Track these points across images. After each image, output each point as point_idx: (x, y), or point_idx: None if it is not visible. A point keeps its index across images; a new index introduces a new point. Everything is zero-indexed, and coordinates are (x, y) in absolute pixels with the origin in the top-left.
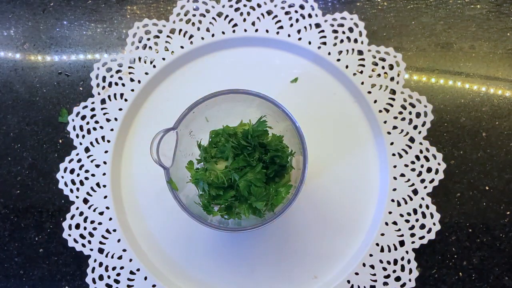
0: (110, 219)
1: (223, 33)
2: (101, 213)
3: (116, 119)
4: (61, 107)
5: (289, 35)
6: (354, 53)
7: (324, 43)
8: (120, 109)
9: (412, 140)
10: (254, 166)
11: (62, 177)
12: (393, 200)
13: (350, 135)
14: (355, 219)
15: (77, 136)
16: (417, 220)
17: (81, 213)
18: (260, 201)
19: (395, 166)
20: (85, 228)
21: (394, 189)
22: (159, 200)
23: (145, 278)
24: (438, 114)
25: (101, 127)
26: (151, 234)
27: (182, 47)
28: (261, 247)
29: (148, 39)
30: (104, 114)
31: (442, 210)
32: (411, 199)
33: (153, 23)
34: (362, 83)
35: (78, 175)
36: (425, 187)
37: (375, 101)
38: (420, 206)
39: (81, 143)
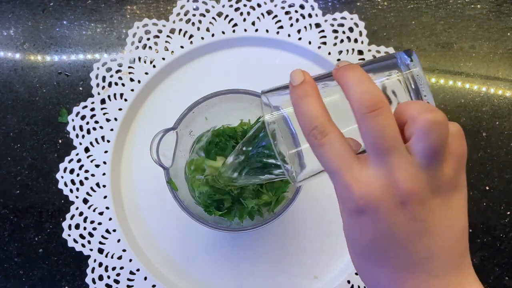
0: (110, 219)
1: (223, 33)
2: (101, 213)
3: (116, 119)
4: (61, 107)
5: (289, 35)
6: (354, 53)
7: (324, 43)
8: (120, 109)
9: None
10: None
11: (62, 177)
12: None
13: None
14: None
15: (77, 136)
16: None
17: (81, 213)
18: (252, 201)
19: None
20: (85, 228)
21: None
22: (159, 200)
23: (145, 278)
24: None
25: (101, 127)
26: (151, 234)
27: (182, 47)
28: (261, 247)
29: (148, 39)
30: (104, 114)
31: None
32: None
33: (153, 23)
34: None
35: (78, 175)
36: None
37: None
38: None
39: (81, 143)
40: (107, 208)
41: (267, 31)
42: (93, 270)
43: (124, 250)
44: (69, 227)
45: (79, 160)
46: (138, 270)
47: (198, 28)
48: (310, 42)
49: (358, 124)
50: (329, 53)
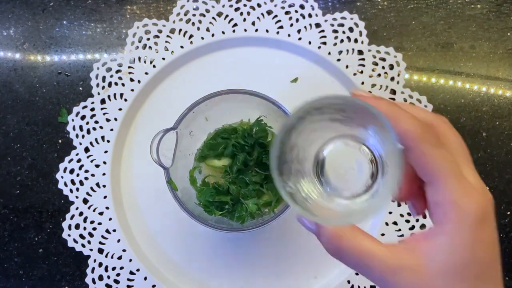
0: (110, 219)
1: (223, 33)
2: (101, 213)
3: (116, 119)
4: (61, 107)
5: (289, 35)
6: (354, 53)
7: (324, 43)
8: (120, 109)
9: None
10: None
11: (62, 177)
12: (393, 200)
13: None
14: None
15: (77, 136)
16: (417, 220)
17: (80, 213)
18: (253, 203)
19: None
20: (84, 228)
21: None
22: (159, 200)
23: (145, 278)
24: None
25: (101, 127)
26: (151, 234)
27: (182, 47)
28: (261, 247)
29: (148, 39)
30: (104, 114)
31: None
32: None
33: (153, 23)
34: (362, 83)
35: (77, 175)
36: None
37: None
38: None
39: (80, 143)
40: (107, 208)
41: (267, 31)
42: (93, 270)
43: (124, 250)
44: (69, 227)
45: (79, 160)
46: (138, 270)
47: (198, 28)
48: (310, 42)
49: (425, 155)
50: (329, 53)
